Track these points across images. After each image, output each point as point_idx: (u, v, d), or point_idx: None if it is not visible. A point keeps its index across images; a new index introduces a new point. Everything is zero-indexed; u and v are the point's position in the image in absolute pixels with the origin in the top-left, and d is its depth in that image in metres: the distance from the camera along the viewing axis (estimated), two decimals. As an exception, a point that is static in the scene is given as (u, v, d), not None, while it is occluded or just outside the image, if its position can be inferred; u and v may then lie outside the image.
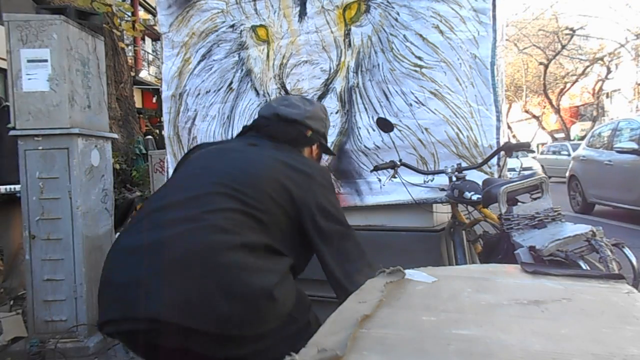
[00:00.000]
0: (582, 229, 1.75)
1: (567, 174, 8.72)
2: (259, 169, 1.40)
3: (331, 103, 2.79)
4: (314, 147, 1.69)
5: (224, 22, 3.03)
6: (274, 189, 1.35)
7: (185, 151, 2.21)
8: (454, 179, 2.35)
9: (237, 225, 1.24)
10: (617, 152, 6.78)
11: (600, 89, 23.61)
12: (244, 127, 1.69)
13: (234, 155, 1.48)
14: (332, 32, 2.76)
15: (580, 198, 8.05)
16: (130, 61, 13.68)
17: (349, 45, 2.73)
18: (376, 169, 2.52)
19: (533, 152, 13.65)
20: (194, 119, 3.13)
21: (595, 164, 7.53)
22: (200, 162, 1.49)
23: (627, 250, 1.71)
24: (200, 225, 1.20)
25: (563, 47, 19.62)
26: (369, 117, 2.71)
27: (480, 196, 2.10)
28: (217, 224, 1.21)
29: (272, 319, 1.23)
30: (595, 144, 8.05)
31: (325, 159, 2.81)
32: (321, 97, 2.81)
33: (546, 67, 20.48)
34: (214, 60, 3.08)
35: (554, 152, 16.67)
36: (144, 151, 7.40)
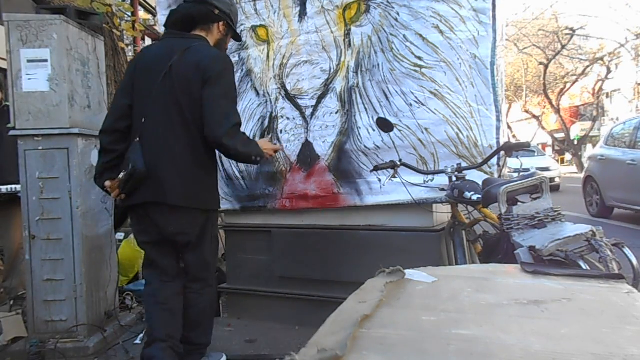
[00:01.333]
0: (582, 229, 1.75)
1: (583, 175, 8.14)
2: None
3: (331, 103, 2.79)
4: (221, 24, 2.17)
5: (224, 22, 3.03)
6: None
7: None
8: (454, 179, 2.35)
9: None
10: None
11: (600, 89, 23.60)
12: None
13: None
14: (332, 32, 2.76)
15: (597, 201, 7.43)
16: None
17: (349, 45, 2.73)
18: (376, 169, 2.52)
19: (533, 151, 13.48)
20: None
21: (616, 164, 6.87)
22: None
23: (627, 250, 1.71)
24: None
25: (563, 47, 19.61)
26: (369, 117, 2.71)
27: (480, 196, 2.10)
28: None
29: None
30: (615, 143, 7.28)
31: (325, 159, 2.81)
32: (321, 97, 2.81)
33: (546, 67, 20.48)
34: (214, 60, 3.08)
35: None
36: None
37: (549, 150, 31.12)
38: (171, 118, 2.02)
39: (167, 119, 2.02)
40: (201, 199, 2.12)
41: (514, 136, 24.72)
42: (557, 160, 21.85)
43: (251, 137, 2.83)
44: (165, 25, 2.22)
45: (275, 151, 2.46)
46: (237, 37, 2.37)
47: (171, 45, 2.09)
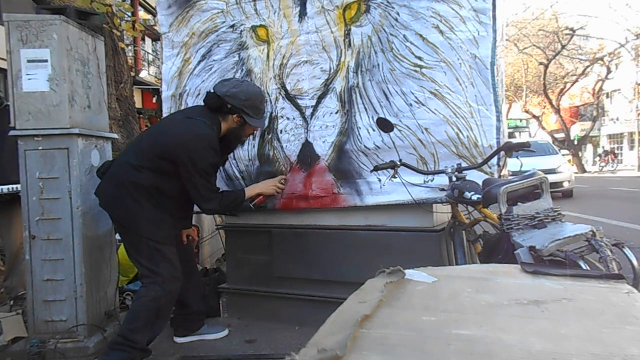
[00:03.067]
0: (582, 229, 1.75)
1: None
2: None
3: (331, 103, 2.79)
4: (235, 116, 2.54)
5: (224, 22, 3.03)
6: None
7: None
8: (454, 179, 2.35)
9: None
10: None
11: (600, 89, 23.61)
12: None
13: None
14: (332, 32, 2.76)
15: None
16: (130, 61, 13.67)
17: (349, 45, 2.73)
18: (376, 169, 2.52)
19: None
20: (194, 119, 3.13)
21: None
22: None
23: (627, 250, 1.71)
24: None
25: (563, 47, 19.61)
26: (369, 117, 2.71)
27: (480, 196, 2.10)
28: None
29: None
30: None
31: (325, 159, 2.81)
32: (321, 97, 2.81)
33: (546, 67, 20.48)
34: (214, 60, 3.08)
35: None
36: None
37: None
38: None
39: None
40: None
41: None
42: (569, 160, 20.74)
43: (254, 138, 2.96)
44: None
45: (281, 182, 2.81)
46: (254, 123, 2.62)
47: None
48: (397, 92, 2.61)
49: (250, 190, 2.72)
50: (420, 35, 2.52)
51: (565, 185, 10.33)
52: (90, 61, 2.84)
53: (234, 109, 2.51)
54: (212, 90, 2.57)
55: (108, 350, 2.38)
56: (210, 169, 2.47)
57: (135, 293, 2.46)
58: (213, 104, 2.52)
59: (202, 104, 2.59)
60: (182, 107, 3.15)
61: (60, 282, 2.63)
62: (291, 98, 2.89)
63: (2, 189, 3.12)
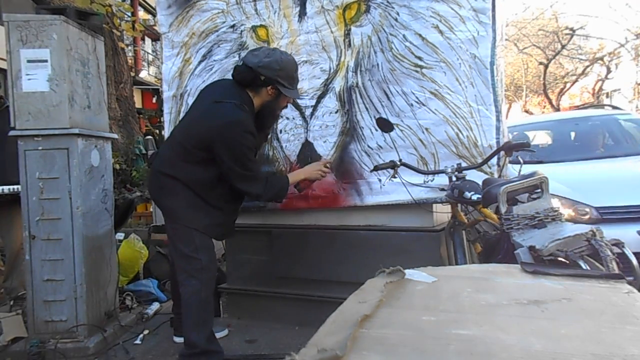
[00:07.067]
0: (582, 228, 1.74)
1: None
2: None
3: (330, 103, 2.79)
4: (269, 88, 2.35)
5: (224, 22, 3.03)
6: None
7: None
8: (454, 179, 2.35)
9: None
10: None
11: (600, 88, 23.59)
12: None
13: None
14: (332, 32, 2.76)
15: None
16: (130, 61, 13.68)
17: (349, 45, 2.73)
18: (376, 169, 2.52)
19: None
20: (194, 119, 3.13)
21: None
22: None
23: (627, 250, 1.71)
24: None
25: (563, 47, 19.59)
26: (370, 117, 2.71)
27: (480, 196, 2.10)
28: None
29: None
30: None
31: (327, 158, 2.81)
32: (321, 97, 2.81)
33: (546, 67, 20.46)
34: (214, 60, 3.08)
35: None
36: (144, 151, 7.40)
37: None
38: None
39: None
40: None
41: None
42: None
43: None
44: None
45: (325, 166, 2.62)
46: (290, 94, 2.43)
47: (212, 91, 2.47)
48: (398, 92, 2.61)
49: (295, 176, 2.58)
50: (420, 35, 2.52)
51: None
52: (90, 61, 2.84)
53: (268, 81, 2.32)
54: (241, 63, 2.38)
55: None
56: (249, 153, 2.33)
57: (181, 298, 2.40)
58: (245, 78, 2.33)
59: (230, 78, 2.42)
60: (183, 108, 3.15)
61: (60, 282, 2.63)
62: (291, 98, 2.89)
63: (2, 189, 3.11)
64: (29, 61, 2.57)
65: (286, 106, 2.56)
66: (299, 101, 2.87)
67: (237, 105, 2.29)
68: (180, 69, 3.18)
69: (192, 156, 2.31)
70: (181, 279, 2.38)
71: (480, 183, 2.22)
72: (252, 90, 2.36)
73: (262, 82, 2.32)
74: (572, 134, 4.66)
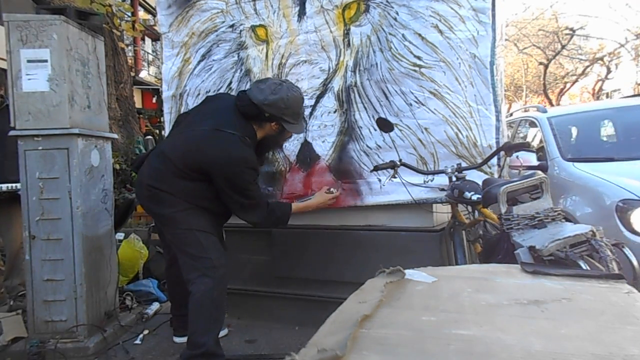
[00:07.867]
0: (582, 229, 1.74)
1: None
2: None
3: (329, 102, 2.79)
4: (273, 123, 2.35)
5: (223, 22, 3.03)
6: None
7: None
8: (454, 179, 2.35)
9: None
10: None
11: (600, 89, 23.57)
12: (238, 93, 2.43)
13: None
14: (331, 31, 2.75)
15: None
16: (130, 61, 13.68)
17: (348, 45, 2.73)
18: (376, 169, 2.52)
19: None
20: (194, 119, 3.12)
21: None
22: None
23: (627, 250, 1.71)
24: None
25: (563, 47, 19.59)
26: (369, 117, 2.70)
27: (480, 196, 2.10)
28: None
29: None
30: None
31: (325, 159, 2.81)
32: (320, 97, 2.81)
33: (546, 67, 20.46)
34: (213, 60, 3.08)
35: None
36: (144, 151, 7.40)
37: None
38: None
39: None
40: None
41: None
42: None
43: None
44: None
45: (329, 190, 2.67)
46: (293, 130, 2.44)
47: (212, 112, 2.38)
48: (396, 91, 2.61)
49: (305, 207, 2.61)
50: (420, 35, 2.52)
51: None
52: (90, 61, 2.84)
53: (273, 118, 2.32)
54: (245, 94, 2.34)
55: None
56: (250, 186, 2.31)
57: (190, 296, 2.31)
58: (249, 112, 2.31)
59: (232, 104, 2.36)
60: (183, 108, 3.15)
61: (60, 282, 2.63)
62: (291, 98, 2.88)
63: (0, 187, 3.11)
64: (29, 61, 2.56)
65: (290, 137, 2.59)
66: (298, 101, 2.86)
67: (240, 138, 2.25)
68: (179, 69, 3.18)
69: (186, 175, 2.27)
70: (192, 277, 2.30)
71: (480, 183, 2.22)
72: (255, 123, 2.35)
73: (266, 118, 2.32)
74: None
